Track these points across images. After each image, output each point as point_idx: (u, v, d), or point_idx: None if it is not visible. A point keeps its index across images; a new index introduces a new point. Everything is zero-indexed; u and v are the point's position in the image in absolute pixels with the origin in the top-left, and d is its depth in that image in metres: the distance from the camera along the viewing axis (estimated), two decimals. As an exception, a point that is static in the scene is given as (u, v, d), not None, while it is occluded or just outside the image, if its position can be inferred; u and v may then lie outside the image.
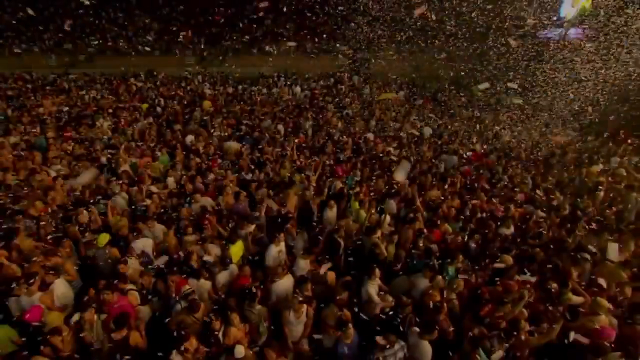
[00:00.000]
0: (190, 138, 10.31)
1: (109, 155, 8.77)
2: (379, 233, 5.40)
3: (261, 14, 27.34)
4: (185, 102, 14.65)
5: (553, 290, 4.59)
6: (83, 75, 19.61)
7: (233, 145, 9.40)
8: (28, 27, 26.57)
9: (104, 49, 27.02)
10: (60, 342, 3.87)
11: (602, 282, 4.69)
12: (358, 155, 9.32)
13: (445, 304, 4.18)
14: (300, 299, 4.22)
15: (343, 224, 5.75)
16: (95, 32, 28.66)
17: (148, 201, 6.66)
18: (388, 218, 6.00)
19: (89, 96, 15.10)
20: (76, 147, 9.18)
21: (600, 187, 7.37)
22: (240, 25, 31.70)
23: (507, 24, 17.61)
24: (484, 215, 6.49)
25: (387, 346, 3.68)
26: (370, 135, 10.74)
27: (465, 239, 5.77)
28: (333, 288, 4.67)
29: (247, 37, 30.83)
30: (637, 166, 9.18)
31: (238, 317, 3.92)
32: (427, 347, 3.75)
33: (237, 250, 5.33)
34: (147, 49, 27.43)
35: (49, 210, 6.07)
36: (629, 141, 11.74)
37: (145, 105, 13.74)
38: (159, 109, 13.58)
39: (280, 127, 11.23)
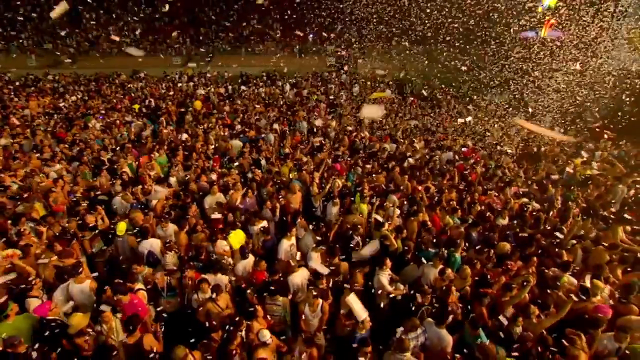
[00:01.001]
0: (184, 136, 10.39)
1: (107, 157, 8.72)
2: (387, 226, 5.60)
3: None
4: (177, 103, 14.57)
5: (551, 274, 4.92)
6: (63, 76, 19.14)
7: (236, 143, 9.48)
8: (4, 27, 25.67)
9: (86, 49, 26.39)
10: (85, 342, 3.90)
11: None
12: (356, 152, 9.53)
13: (453, 288, 4.40)
14: (315, 293, 4.36)
15: (356, 221, 5.92)
16: (77, 32, 28.00)
17: (154, 201, 6.67)
18: (397, 211, 6.22)
19: (76, 97, 14.80)
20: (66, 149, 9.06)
21: (590, 180, 7.85)
22: (226, 24, 31.52)
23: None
24: (482, 207, 6.79)
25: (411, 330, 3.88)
26: (366, 133, 10.97)
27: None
28: (347, 278, 4.84)
29: (232, 36, 30.69)
30: (620, 158, 9.77)
31: (262, 311, 4.04)
32: (447, 337, 3.96)
33: (235, 238, 5.40)
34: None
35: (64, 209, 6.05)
36: (606, 136, 12.45)
37: (136, 106, 13.59)
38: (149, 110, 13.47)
39: (276, 126, 11.32)
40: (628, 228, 6.20)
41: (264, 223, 5.90)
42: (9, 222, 5.77)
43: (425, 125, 12.60)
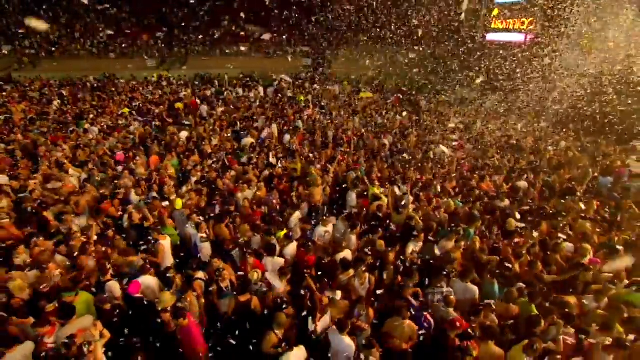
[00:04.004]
0: (185, 134, 10.70)
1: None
2: (411, 209, 6.41)
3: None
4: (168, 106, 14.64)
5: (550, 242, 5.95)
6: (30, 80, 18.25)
7: (248, 140, 9.95)
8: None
9: (50, 51, 25.06)
10: (168, 319, 4.29)
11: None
12: (357, 148, 10.30)
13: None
14: (364, 268, 5.04)
15: (381, 203, 6.68)
16: (35, 33, 26.50)
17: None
18: (411, 198, 7.03)
19: (57, 102, 14.33)
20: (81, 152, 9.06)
21: (563, 166, 9.25)
22: (197, 25, 31.10)
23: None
24: (480, 192, 7.81)
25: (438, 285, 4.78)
26: (362, 131, 11.80)
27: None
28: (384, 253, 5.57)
29: (202, 38, 30.33)
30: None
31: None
32: (473, 287, 4.84)
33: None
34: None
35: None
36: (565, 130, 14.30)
37: (126, 110, 13.46)
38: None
39: (274, 126, 11.79)
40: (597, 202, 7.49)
41: (298, 214, 6.48)
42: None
43: (413, 122, 13.62)
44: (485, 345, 3.86)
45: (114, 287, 4.51)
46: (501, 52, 18.28)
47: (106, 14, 29.73)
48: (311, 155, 9.40)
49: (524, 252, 5.49)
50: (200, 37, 30.54)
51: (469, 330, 3.94)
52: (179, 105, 15.02)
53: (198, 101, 15.19)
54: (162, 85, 18.98)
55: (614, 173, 8.78)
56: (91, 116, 12.42)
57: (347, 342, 3.86)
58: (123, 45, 27.63)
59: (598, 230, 6.44)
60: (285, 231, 5.95)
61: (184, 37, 29.74)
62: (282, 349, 3.79)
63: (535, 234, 6.01)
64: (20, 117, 12.11)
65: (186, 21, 31.36)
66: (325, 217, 6.17)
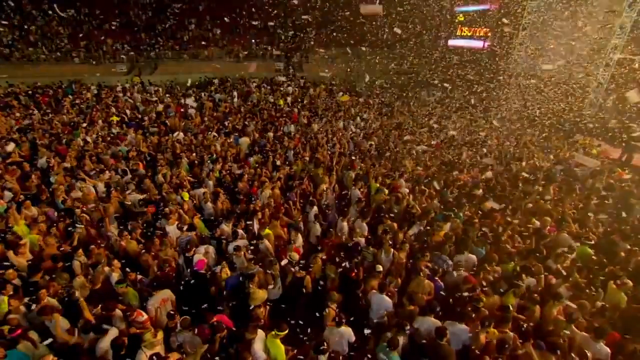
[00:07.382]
0: (181, 135, 11.38)
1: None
2: (410, 198, 7.70)
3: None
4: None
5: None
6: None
7: (245, 140, 10.76)
8: None
9: (7, 55, 23.73)
10: (262, 314, 5.00)
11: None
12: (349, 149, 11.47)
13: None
14: (391, 242, 6.21)
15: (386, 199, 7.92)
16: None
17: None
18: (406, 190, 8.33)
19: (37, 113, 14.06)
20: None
21: (526, 157, 11.18)
22: (164, 27, 30.62)
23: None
24: (461, 182, 9.30)
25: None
26: (351, 132, 12.98)
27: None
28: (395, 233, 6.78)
29: (170, 42, 29.94)
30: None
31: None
32: (473, 257, 6.14)
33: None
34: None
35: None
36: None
37: (116, 118, 13.57)
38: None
39: (271, 133, 12.57)
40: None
41: (315, 209, 7.50)
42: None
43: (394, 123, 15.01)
44: (491, 297, 5.17)
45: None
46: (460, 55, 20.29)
47: (63, 16, 28.43)
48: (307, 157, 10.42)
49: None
50: (168, 42, 30.06)
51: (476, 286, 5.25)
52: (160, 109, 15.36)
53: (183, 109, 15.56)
54: (142, 91, 18.93)
55: (564, 162, 10.80)
56: (84, 125, 12.49)
57: (387, 300, 5.00)
58: (88, 50, 26.64)
59: (557, 208, 8.09)
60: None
61: (152, 41, 29.18)
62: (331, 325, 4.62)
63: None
64: (6, 128, 11.93)
65: (151, 24, 30.71)
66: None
